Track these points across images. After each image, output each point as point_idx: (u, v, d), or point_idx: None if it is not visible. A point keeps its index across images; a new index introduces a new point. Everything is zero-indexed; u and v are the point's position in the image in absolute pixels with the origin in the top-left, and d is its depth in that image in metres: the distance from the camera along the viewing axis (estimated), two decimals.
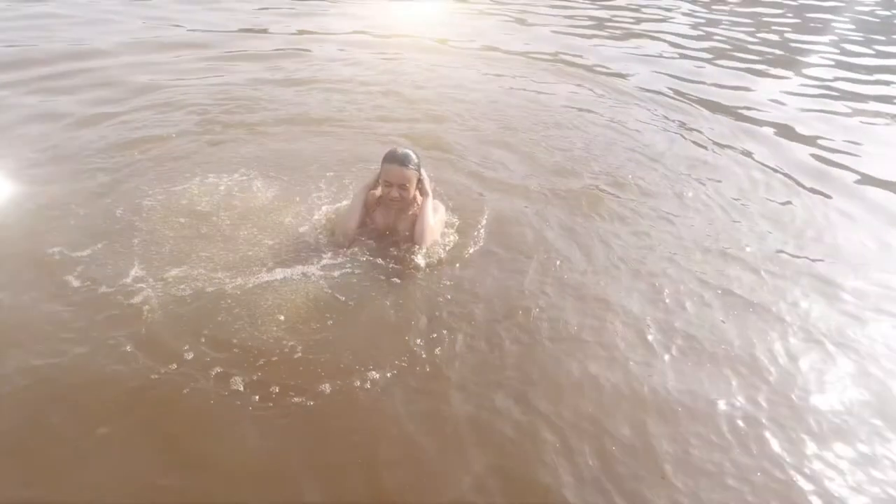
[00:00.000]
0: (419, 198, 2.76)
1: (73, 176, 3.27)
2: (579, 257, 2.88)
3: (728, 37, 8.62)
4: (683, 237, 3.17)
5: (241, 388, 1.98)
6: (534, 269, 2.74)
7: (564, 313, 2.49)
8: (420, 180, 2.69)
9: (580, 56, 6.89)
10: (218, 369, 2.03)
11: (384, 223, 2.77)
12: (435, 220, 2.71)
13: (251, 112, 4.42)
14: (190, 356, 2.07)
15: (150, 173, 3.33)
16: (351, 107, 4.71)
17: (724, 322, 2.55)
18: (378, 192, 2.76)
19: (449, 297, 2.50)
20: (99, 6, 7.59)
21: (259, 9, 8.26)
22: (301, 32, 7.15)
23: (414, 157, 2.64)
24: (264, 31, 7.11)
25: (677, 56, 7.31)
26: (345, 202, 3.00)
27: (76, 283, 2.37)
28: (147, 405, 1.93)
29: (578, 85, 5.83)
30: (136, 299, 2.30)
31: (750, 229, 3.34)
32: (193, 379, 2.00)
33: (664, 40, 8.07)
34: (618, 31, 8.52)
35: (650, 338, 2.40)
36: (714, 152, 4.41)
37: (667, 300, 2.64)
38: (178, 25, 7.03)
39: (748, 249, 3.11)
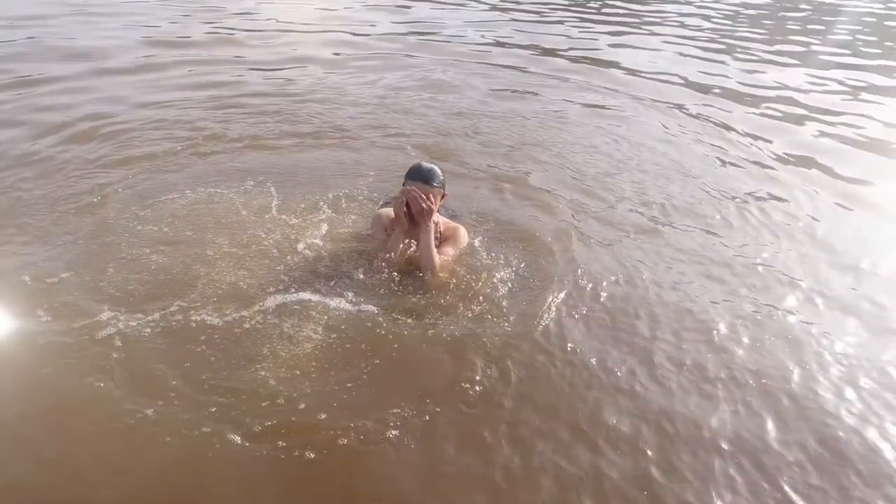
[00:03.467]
0: (441, 222, 2.54)
1: (50, 194, 2.96)
2: (619, 295, 2.51)
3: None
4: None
5: (239, 441, 1.69)
6: (563, 300, 2.41)
7: (593, 355, 2.17)
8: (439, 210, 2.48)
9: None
10: (210, 420, 1.76)
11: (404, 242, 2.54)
12: (454, 246, 2.51)
13: (244, 123, 4.12)
14: (176, 401, 1.80)
15: (136, 190, 3.05)
16: (355, 114, 4.44)
17: None
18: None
19: (467, 335, 2.17)
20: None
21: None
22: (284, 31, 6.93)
23: (439, 174, 2.48)
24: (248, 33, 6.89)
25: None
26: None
27: (46, 316, 2.10)
28: (130, 455, 1.67)
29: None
30: (108, 332, 2.02)
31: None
32: (183, 426, 1.72)
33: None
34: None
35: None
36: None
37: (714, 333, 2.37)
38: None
39: None
